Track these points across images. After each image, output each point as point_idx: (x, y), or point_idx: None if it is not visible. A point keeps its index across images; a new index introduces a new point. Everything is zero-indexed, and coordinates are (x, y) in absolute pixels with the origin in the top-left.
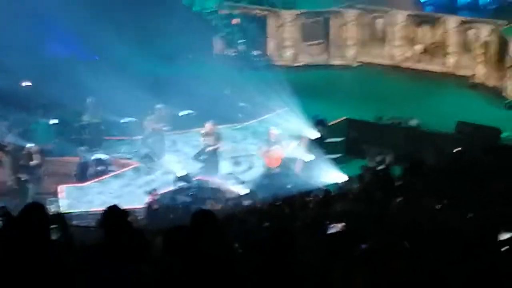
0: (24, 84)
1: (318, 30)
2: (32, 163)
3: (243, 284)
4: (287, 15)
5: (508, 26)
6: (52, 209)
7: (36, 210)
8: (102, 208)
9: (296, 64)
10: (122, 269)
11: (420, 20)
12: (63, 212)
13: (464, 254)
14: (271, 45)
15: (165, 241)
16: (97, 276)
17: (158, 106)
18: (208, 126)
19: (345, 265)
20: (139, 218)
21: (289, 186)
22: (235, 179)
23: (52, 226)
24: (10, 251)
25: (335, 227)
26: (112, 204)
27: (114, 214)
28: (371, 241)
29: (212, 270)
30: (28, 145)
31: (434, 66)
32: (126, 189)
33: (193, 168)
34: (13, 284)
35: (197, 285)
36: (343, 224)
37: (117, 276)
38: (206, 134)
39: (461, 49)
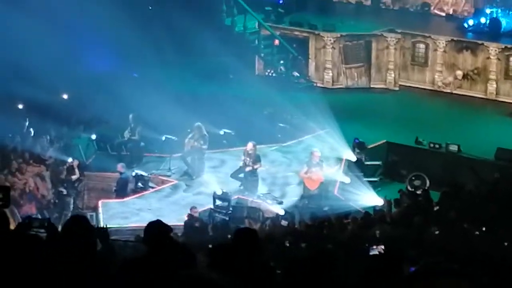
0: (65, 98)
1: (359, 53)
2: (73, 177)
3: None
4: (328, 37)
5: None
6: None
7: (81, 222)
8: (140, 224)
9: (336, 87)
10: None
11: (461, 46)
12: (104, 226)
13: (504, 281)
14: (311, 66)
15: (210, 257)
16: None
17: (198, 124)
18: (250, 145)
19: (396, 285)
20: (178, 234)
21: (326, 208)
22: (273, 199)
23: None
24: (57, 263)
25: (377, 249)
26: (151, 220)
27: (158, 228)
28: (420, 263)
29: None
30: (69, 159)
31: (474, 92)
32: (165, 206)
33: (231, 187)
34: None
35: None
36: (383, 246)
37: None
38: (247, 153)
39: (502, 76)
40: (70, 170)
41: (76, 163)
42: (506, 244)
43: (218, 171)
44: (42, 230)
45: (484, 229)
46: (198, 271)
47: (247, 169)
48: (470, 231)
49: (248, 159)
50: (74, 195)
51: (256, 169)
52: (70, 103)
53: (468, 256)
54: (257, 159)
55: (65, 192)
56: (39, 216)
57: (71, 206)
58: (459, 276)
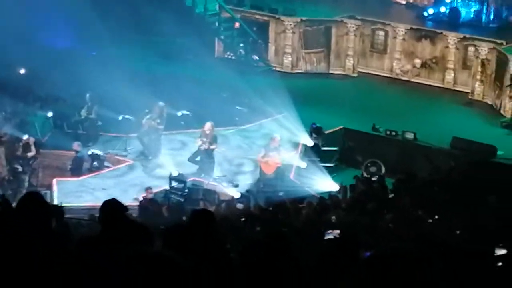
0: (22, 73)
1: (318, 39)
2: (29, 154)
3: (237, 286)
4: (289, 21)
5: (508, 45)
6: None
7: (36, 199)
8: (95, 203)
9: (295, 71)
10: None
11: (420, 35)
12: (60, 204)
13: (457, 268)
14: (271, 50)
15: (165, 237)
16: (98, 262)
17: (161, 104)
18: (207, 126)
19: (354, 271)
20: (133, 215)
21: (281, 193)
22: (229, 182)
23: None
24: (12, 240)
25: (332, 234)
26: (105, 199)
27: (113, 207)
28: (375, 248)
29: (208, 269)
30: (25, 136)
31: (432, 81)
32: (120, 186)
33: (187, 168)
34: (16, 273)
35: (192, 283)
36: (339, 231)
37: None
38: (205, 134)
39: (460, 66)
40: (26, 147)
41: (32, 140)
42: (458, 232)
43: (175, 152)
44: None
45: (437, 217)
46: (152, 249)
47: (203, 147)
48: (423, 218)
49: (205, 139)
50: (29, 172)
51: (213, 149)
52: (27, 80)
53: (422, 242)
54: (214, 140)
55: (20, 169)
56: None
57: (26, 184)
58: (416, 258)
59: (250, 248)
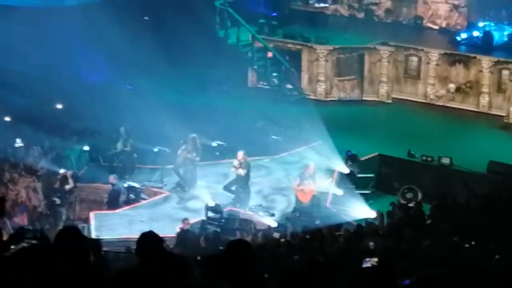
0: (59, 108)
1: (351, 66)
2: (66, 187)
3: None
4: (321, 49)
5: None
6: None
7: (73, 233)
8: (132, 235)
9: (329, 99)
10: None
11: (454, 59)
12: (95, 237)
13: None
14: (304, 79)
15: (202, 268)
16: None
17: (193, 136)
18: (240, 154)
19: None
20: (170, 246)
21: (318, 221)
22: (265, 211)
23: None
24: (50, 274)
25: (370, 262)
26: (142, 231)
27: (151, 239)
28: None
29: None
30: (62, 170)
31: (467, 105)
32: (157, 218)
33: (223, 198)
34: None
35: None
36: (377, 259)
37: None
38: (238, 164)
39: (495, 89)
40: (64, 180)
41: (70, 173)
42: (497, 257)
43: (211, 183)
44: (35, 241)
45: (474, 242)
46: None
47: (239, 180)
48: (461, 244)
49: (240, 168)
50: (67, 205)
51: (248, 175)
52: (63, 114)
53: (459, 268)
54: (247, 166)
55: (58, 201)
56: (30, 228)
57: (64, 217)
58: (453, 285)
59: (288, 277)
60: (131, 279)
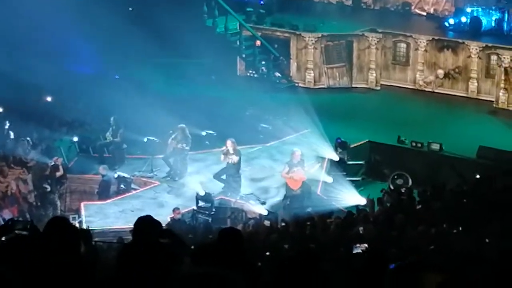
0: (49, 100)
1: (340, 53)
2: (57, 173)
3: None
4: (310, 37)
5: None
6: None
7: (62, 224)
8: (123, 225)
9: (318, 87)
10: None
11: (442, 45)
12: (87, 228)
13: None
14: (293, 67)
15: (194, 256)
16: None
17: (182, 125)
18: (229, 143)
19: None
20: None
21: (309, 209)
22: (256, 199)
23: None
24: (40, 264)
25: (360, 247)
26: (133, 222)
27: (148, 223)
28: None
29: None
30: (54, 158)
31: (456, 91)
32: (148, 207)
33: (214, 187)
34: None
35: None
36: (366, 245)
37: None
38: (227, 152)
39: (483, 75)
40: (55, 167)
41: (60, 160)
42: (487, 240)
43: (201, 172)
44: (25, 232)
45: (464, 227)
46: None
47: (231, 168)
48: (451, 230)
49: (229, 156)
50: (58, 193)
51: (238, 168)
52: (52, 106)
53: (449, 254)
54: (238, 156)
55: (49, 188)
56: (21, 219)
57: (57, 203)
58: (443, 270)
59: (280, 265)
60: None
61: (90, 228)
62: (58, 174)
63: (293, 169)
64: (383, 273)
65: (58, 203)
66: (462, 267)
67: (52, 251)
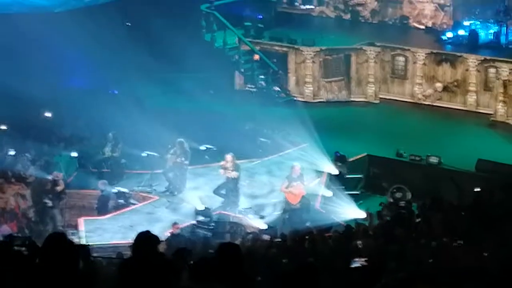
0: (46, 116)
1: (338, 67)
2: (58, 188)
3: None
4: (308, 51)
5: None
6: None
7: (60, 240)
8: (122, 241)
9: (316, 100)
10: None
11: (440, 58)
12: (85, 244)
13: None
14: (292, 81)
15: (193, 271)
16: None
17: (180, 140)
18: (228, 157)
19: None
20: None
21: (308, 223)
22: (255, 213)
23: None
24: (38, 281)
25: (358, 262)
26: (132, 237)
27: (147, 239)
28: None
29: None
30: (54, 173)
31: (454, 104)
32: (147, 222)
33: (213, 202)
34: None
35: None
36: (366, 259)
37: None
38: (226, 166)
39: (482, 88)
40: (55, 182)
41: (61, 175)
42: (486, 254)
43: (200, 186)
44: (24, 248)
45: (464, 241)
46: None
47: (230, 183)
48: (450, 243)
49: (228, 171)
50: (59, 207)
51: (237, 182)
52: (50, 121)
53: (448, 267)
54: (237, 171)
55: (50, 203)
56: (20, 235)
57: (58, 218)
58: (441, 283)
59: (279, 279)
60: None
61: (89, 244)
62: (59, 189)
63: (292, 183)
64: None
65: (59, 218)
66: (461, 280)
67: (51, 267)
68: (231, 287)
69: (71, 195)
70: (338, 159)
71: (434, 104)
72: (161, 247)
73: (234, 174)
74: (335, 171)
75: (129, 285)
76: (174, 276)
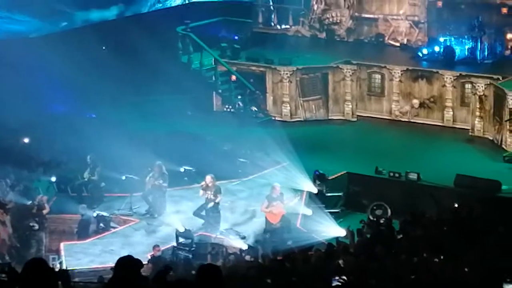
0: (24, 141)
1: (315, 86)
2: (44, 211)
3: None
4: (285, 71)
5: (504, 80)
6: (54, 266)
7: (40, 266)
8: (103, 265)
9: (294, 120)
10: None
11: (417, 75)
12: (65, 269)
13: None
14: (269, 101)
15: None
16: None
17: (158, 163)
18: (208, 178)
19: None
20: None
21: (290, 242)
22: (236, 234)
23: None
24: None
25: (338, 280)
26: (113, 261)
27: (129, 264)
28: None
29: None
30: (39, 196)
31: (431, 120)
32: (128, 246)
33: (194, 223)
34: None
35: None
36: (345, 277)
37: None
38: (206, 187)
39: (458, 103)
40: (40, 205)
41: (45, 198)
42: (466, 270)
43: (180, 208)
44: (3, 275)
45: (444, 256)
46: None
47: (210, 204)
48: (431, 258)
49: (209, 192)
50: (45, 231)
51: (218, 203)
52: (28, 146)
53: (429, 283)
54: (217, 191)
55: (37, 227)
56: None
57: (44, 241)
58: None
59: None
60: None
61: (70, 269)
62: (45, 212)
63: (272, 203)
64: None
65: (45, 241)
66: None
67: None
68: None
69: (52, 219)
70: (318, 177)
71: (412, 120)
72: (145, 270)
73: (214, 194)
74: (315, 189)
75: None
76: None
